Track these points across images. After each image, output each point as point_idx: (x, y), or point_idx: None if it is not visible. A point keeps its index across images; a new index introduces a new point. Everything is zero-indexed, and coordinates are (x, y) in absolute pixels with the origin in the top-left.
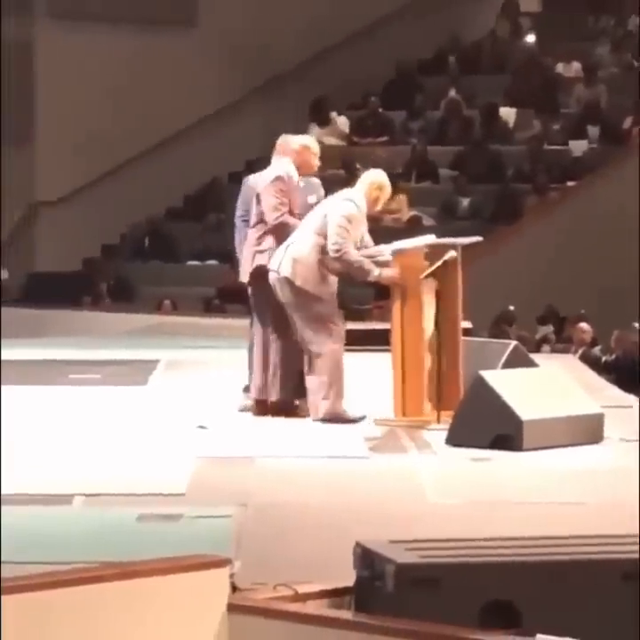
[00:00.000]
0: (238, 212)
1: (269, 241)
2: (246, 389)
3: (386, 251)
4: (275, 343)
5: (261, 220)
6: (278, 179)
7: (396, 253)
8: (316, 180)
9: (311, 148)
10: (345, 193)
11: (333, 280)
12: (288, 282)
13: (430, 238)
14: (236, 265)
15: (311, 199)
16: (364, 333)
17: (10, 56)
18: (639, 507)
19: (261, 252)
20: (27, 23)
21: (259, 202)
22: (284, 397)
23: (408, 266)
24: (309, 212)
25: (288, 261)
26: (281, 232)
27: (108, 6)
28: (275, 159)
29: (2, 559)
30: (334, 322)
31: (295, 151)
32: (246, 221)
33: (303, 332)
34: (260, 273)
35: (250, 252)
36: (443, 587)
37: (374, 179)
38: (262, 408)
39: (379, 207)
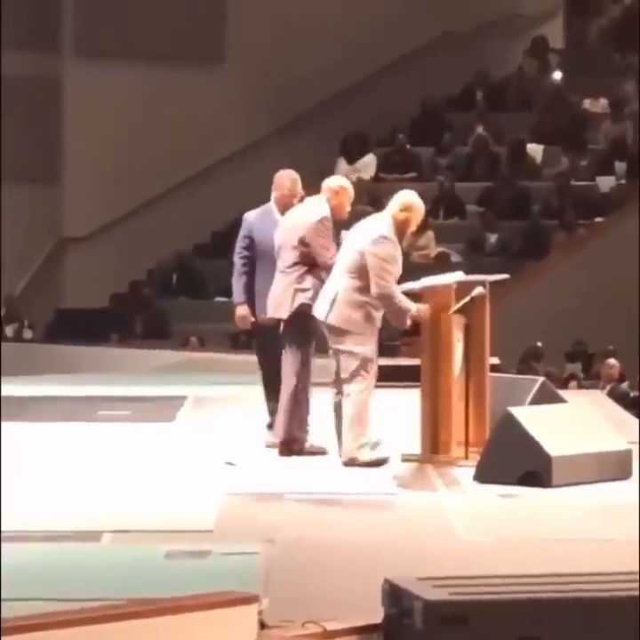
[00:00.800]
0: (237, 249)
1: (311, 280)
2: (270, 426)
3: (414, 288)
4: (302, 381)
5: (302, 261)
6: (326, 219)
7: (426, 290)
8: None
9: (349, 192)
10: (372, 225)
11: (378, 317)
12: (332, 328)
13: (458, 275)
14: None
15: None
16: (392, 369)
17: (38, 93)
18: None
19: (303, 290)
20: (54, 61)
21: (303, 243)
22: (291, 435)
23: (438, 303)
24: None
25: (330, 307)
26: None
27: (135, 44)
28: (308, 199)
29: (30, 596)
30: (372, 362)
31: (334, 191)
32: (244, 257)
33: (344, 374)
34: (302, 311)
35: (288, 290)
36: (471, 624)
37: (402, 200)
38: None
39: (412, 228)
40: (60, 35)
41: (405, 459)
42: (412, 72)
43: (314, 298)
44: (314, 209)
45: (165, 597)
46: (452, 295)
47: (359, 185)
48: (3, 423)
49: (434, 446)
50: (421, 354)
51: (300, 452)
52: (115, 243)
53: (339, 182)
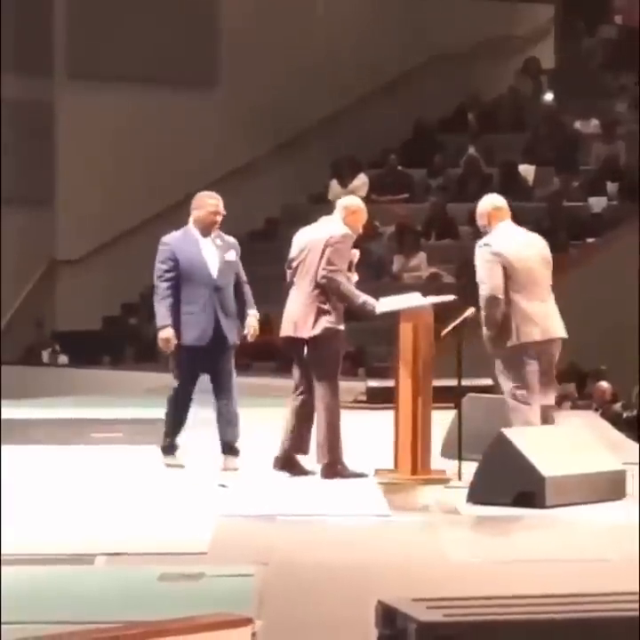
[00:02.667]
0: (159, 272)
1: (332, 302)
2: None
3: (394, 308)
4: (335, 406)
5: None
6: (348, 236)
7: (405, 311)
8: (232, 239)
9: (364, 212)
10: (531, 235)
11: None
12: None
13: (415, 297)
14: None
15: (229, 256)
16: (382, 390)
17: (31, 116)
18: None
19: (326, 312)
20: (47, 84)
21: (323, 258)
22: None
23: (419, 323)
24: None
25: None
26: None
27: (128, 67)
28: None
29: (26, 619)
30: None
31: (351, 211)
32: (168, 280)
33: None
34: (326, 335)
35: (310, 310)
36: None
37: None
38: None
39: None
40: (52, 58)
41: (397, 479)
42: (405, 93)
43: (336, 322)
44: (334, 227)
45: (159, 620)
46: (431, 315)
47: None
48: None
49: (417, 467)
50: (400, 374)
51: (344, 474)
52: (107, 265)
53: (355, 202)
